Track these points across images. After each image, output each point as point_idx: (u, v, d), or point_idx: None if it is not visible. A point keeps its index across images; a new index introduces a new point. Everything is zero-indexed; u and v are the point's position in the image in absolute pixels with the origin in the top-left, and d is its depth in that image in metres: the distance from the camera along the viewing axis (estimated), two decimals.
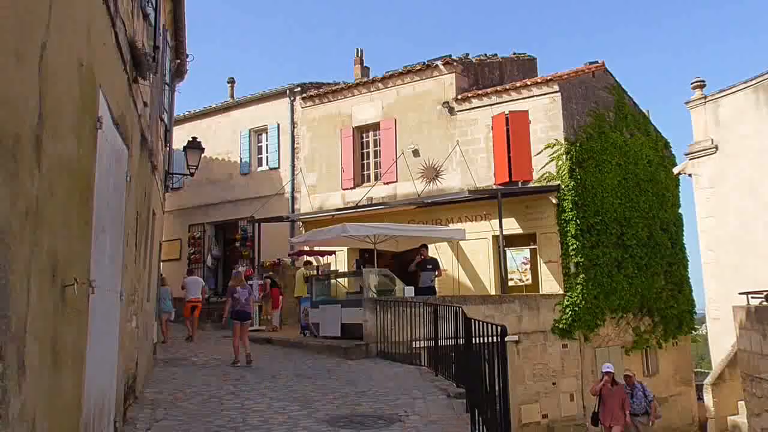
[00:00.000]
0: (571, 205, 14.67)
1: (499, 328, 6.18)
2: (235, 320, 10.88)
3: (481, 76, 17.81)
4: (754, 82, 15.62)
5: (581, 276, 14.53)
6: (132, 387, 7.16)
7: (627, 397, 10.78)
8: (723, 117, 16.15)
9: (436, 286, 14.36)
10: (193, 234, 21.59)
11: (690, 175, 16.87)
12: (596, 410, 10.97)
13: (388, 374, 9.94)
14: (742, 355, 12.22)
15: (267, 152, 20.54)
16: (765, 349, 10.94)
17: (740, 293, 12.88)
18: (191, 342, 14.18)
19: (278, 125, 20.15)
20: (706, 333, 18.36)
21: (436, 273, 14.38)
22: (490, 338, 6.42)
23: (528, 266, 15.22)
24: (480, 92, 16.43)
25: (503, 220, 14.42)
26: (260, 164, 20.74)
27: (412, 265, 14.51)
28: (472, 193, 14.68)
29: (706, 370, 19.68)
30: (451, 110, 16.75)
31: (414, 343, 11.10)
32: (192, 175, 13.68)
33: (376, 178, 17.96)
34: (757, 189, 15.22)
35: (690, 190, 16.88)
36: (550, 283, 14.93)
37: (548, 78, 15.64)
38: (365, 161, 18.50)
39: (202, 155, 14.18)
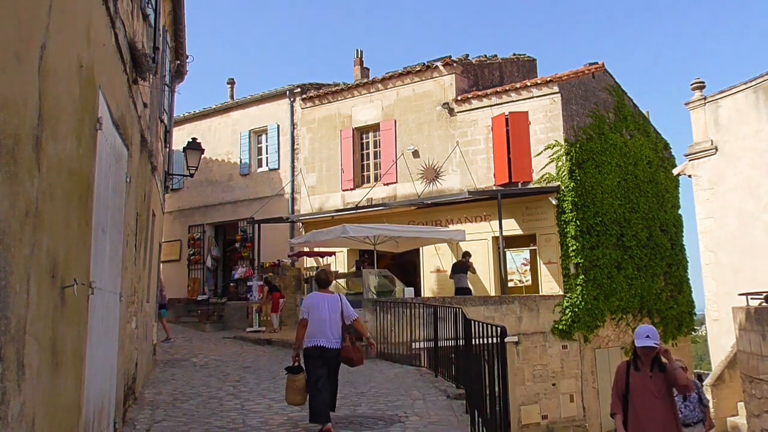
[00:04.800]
0: (570, 206, 14.67)
1: (498, 329, 6.18)
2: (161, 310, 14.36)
3: (481, 77, 17.82)
4: (753, 83, 15.64)
5: (581, 277, 14.53)
6: (132, 388, 7.16)
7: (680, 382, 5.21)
8: (723, 118, 16.16)
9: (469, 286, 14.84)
10: (192, 235, 21.59)
11: (690, 176, 16.89)
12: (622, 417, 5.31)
13: (388, 375, 9.94)
14: (742, 356, 12.21)
15: (267, 153, 20.55)
16: (765, 350, 10.93)
17: (740, 294, 12.89)
18: None
19: (278, 126, 20.16)
20: (706, 334, 18.39)
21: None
22: (489, 339, 6.42)
23: (528, 267, 15.22)
24: (480, 93, 16.43)
25: (503, 221, 14.42)
26: (260, 165, 20.75)
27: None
28: (472, 194, 14.68)
29: (706, 371, 19.68)
30: (451, 111, 16.75)
31: (414, 344, 11.10)
32: (192, 176, 13.67)
33: (375, 179, 17.97)
34: (756, 190, 15.24)
35: (690, 191, 16.91)
36: (549, 284, 14.93)
37: (548, 79, 15.65)
38: (365, 162, 18.50)
39: (202, 156, 14.18)
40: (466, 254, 15.00)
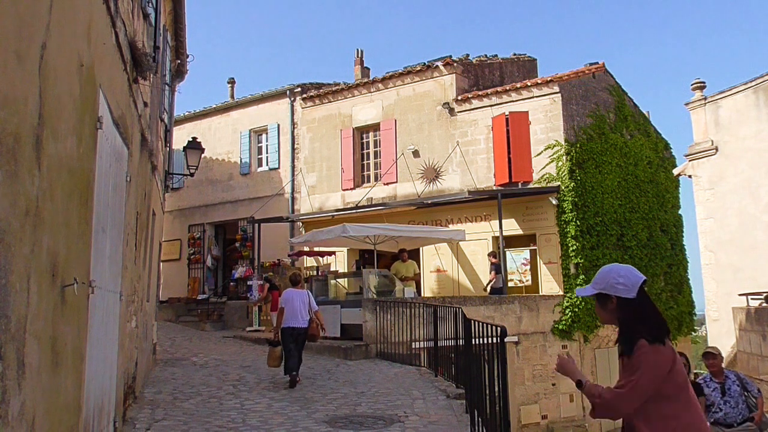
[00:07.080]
0: (571, 206, 14.67)
1: (498, 328, 6.18)
2: None
3: (482, 77, 17.81)
4: (754, 83, 15.62)
5: (581, 277, 14.52)
6: (132, 387, 7.16)
7: None
8: (723, 118, 16.14)
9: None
10: (193, 234, 21.59)
11: (690, 176, 16.86)
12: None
13: (388, 375, 9.94)
14: (742, 357, 12.22)
15: (267, 153, 20.55)
16: (765, 350, 10.94)
17: (740, 294, 12.89)
18: None
19: (278, 126, 20.16)
20: (706, 334, 18.37)
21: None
22: (489, 339, 6.42)
23: (528, 267, 15.22)
24: (480, 93, 16.43)
25: (503, 221, 14.42)
26: (260, 165, 20.75)
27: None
28: (472, 193, 14.68)
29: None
30: (452, 111, 16.75)
31: (414, 343, 11.10)
32: (192, 175, 13.67)
33: (376, 179, 17.96)
34: (756, 190, 15.22)
35: (690, 192, 16.89)
36: (549, 284, 14.93)
37: (548, 79, 15.65)
38: (365, 162, 18.50)
39: (202, 155, 14.18)
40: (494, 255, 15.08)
